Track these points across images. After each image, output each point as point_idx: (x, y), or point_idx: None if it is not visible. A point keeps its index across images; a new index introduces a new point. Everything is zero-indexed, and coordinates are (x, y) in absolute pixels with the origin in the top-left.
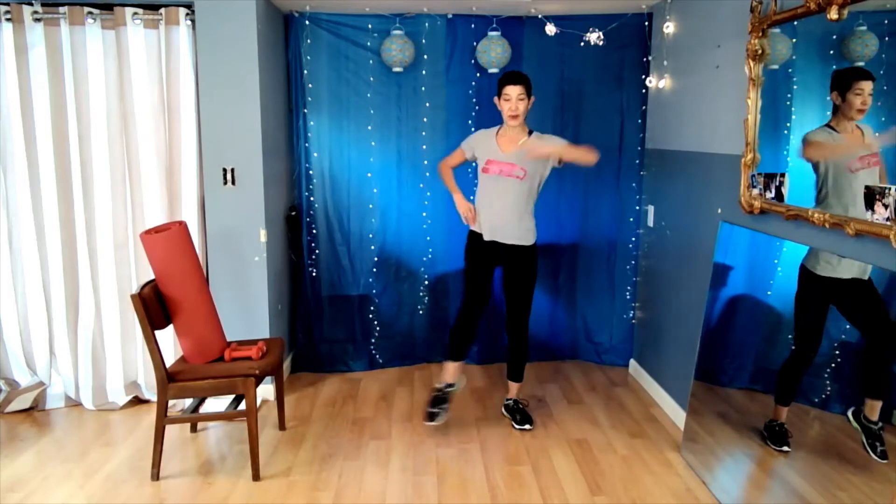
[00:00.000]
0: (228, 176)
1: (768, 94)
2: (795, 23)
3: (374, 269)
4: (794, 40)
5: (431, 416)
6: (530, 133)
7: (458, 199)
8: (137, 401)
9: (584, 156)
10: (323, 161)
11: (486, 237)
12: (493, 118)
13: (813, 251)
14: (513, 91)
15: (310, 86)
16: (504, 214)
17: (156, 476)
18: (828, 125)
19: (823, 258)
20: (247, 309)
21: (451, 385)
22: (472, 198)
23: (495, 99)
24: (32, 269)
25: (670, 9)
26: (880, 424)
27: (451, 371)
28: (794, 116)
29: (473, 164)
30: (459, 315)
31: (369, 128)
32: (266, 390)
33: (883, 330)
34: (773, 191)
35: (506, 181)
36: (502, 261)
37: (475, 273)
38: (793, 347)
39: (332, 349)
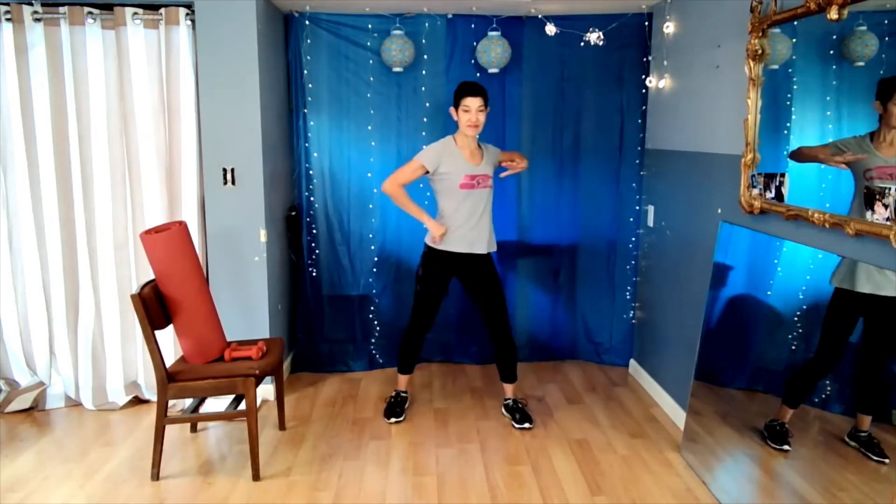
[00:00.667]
0: (228, 176)
1: (768, 94)
2: (795, 23)
3: (374, 269)
4: (794, 40)
5: (392, 416)
6: (479, 145)
7: (431, 224)
8: (137, 401)
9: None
10: (323, 161)
11: (462, 251)
12: (492, 118)
13: (846, 264)
14: (473, 103)
15: (310, 86)
16: (483, 225)
17: (156, 476)
18: (869, 134)
19: (865, 273)
20: (247, 309)
21: (405, 392)
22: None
23: (451, 109)
24: (32, 269)
25: (670, 9)
26: (868, 433)
27: (404, 382)
28: (794, 116)
29: (419, 182)
30: (411, 331)
31: (369, 128)
32: (266, 390)
33: (890, 346)
34: (773, 191)
35: (481, 193)
36: (463, 272)
37: (433, 289)
38: (814, 356)
39: (332, 349)
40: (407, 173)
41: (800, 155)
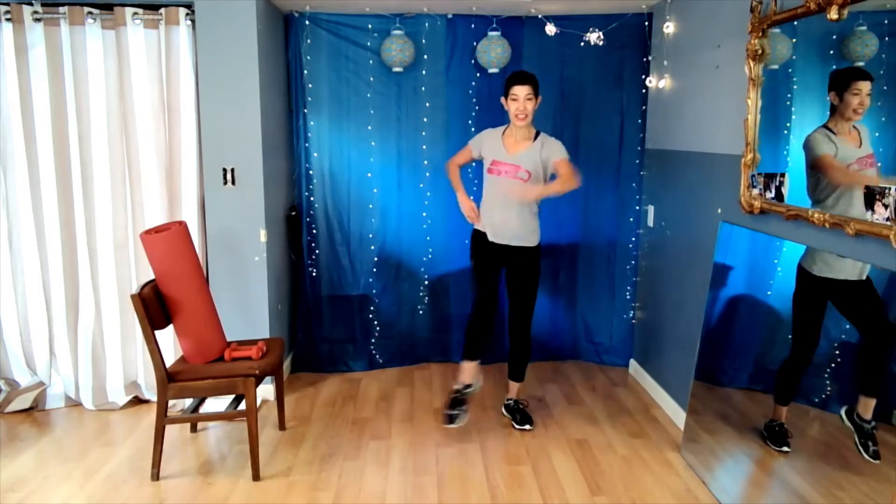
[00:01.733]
0: (228, 176)
1: (768, 94)
2: (795, 23)
3: (374, 269)
4: (794, 40)
5: (451, 419)
6: (537, 134)
7: (460, 198)
8: (137, 401)
9: (567, 185)
10: (323, 161)
11: (490, 238)
12: (492, 118)
13: (810, 251)
14: (521, 91)
15: (310, 86)
16: (508, 216)
17: (156, 476)
18: (825, 126)
19: (820, 258)
20: (247, 309)
21: (469, 385)
22: (472, 197)
23: (502, 99)
24: (32, 269)
25: (670, 9)
26: (873, 423)
27: (468, 371)
28: (794, 116)
29: (472, 164)
30: (473, 314)
31: (369, 128)
32: (266, 390)
33: (880, 328)
34: (773, 191)
35: (510, 182)
36: (506, 261)
37: (483, 271)
38: (791, 347)
39: (332, 349)
40: (460, 154)
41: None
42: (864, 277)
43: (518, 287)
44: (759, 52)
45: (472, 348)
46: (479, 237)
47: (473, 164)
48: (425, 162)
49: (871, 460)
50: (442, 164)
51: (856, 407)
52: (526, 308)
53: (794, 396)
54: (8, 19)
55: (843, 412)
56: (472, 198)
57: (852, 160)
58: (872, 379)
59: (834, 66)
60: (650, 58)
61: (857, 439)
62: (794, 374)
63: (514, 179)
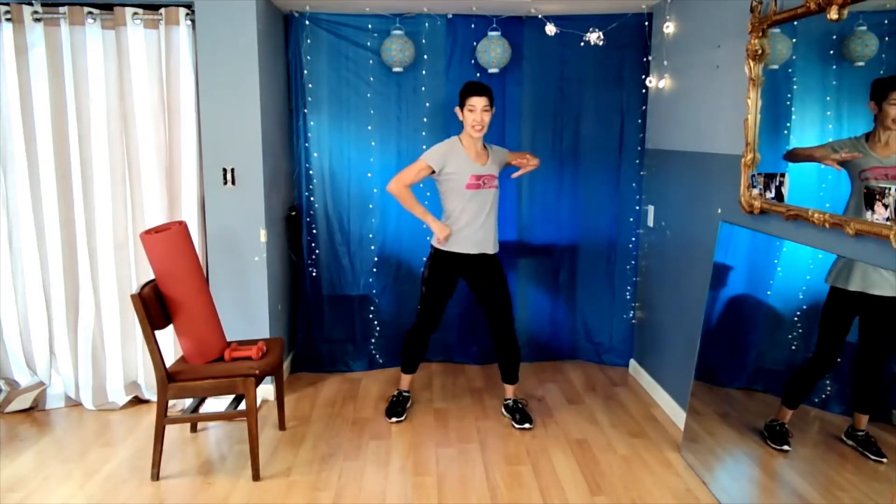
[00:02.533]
0: (228, 176)
1: (768, 94)
2: (795, 23)
3: (374, 269)
4: (794, 40)
5: (393, 415)
6: (485, 145)
7: (436, 225)
8: (137, 401)
9: (532, 157)
10: (323, 161)
11: (469, 251)
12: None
13: (844, 267)
14: (478, 102)
15: (310, 86)
16: (489, 226)
17: (156, 476)
18: (865, 134)
19: (859, 273)
20: (247, 309)
21: (407, 392)
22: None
23: (457, 109)
24: (32, 269)
25: (670, 9)
26: (864, 432)
27: (406, 382)
28: (794, 116)
29: (421, 184)
30: (417, 330)
31: (369, 128)
32: (266, 390)
33: (887, 346)
34: (773, 191)
35: (487, 193)
36: (470, 273)
37: (441, 291)
38: (814, 352)
39: (332, 349)
40: (412, 173)
41: (794, 156)
42: None
43: (493, 292)
44: (759, 52)
45: (413, 363)
46: (441, 258)
47: (421, 184)
48: None
49: (878, 459)
50: None
51: (852, 423)
52: (506, 310)
53: (804, 399)
54: (8, 19)
55: (843, 436)
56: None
57: (867, 167)
58: (869, 396)
59: (834, 66)
60: (650, 58)
61: (860, 451)
62: (810, 380)
63: (492, 189)
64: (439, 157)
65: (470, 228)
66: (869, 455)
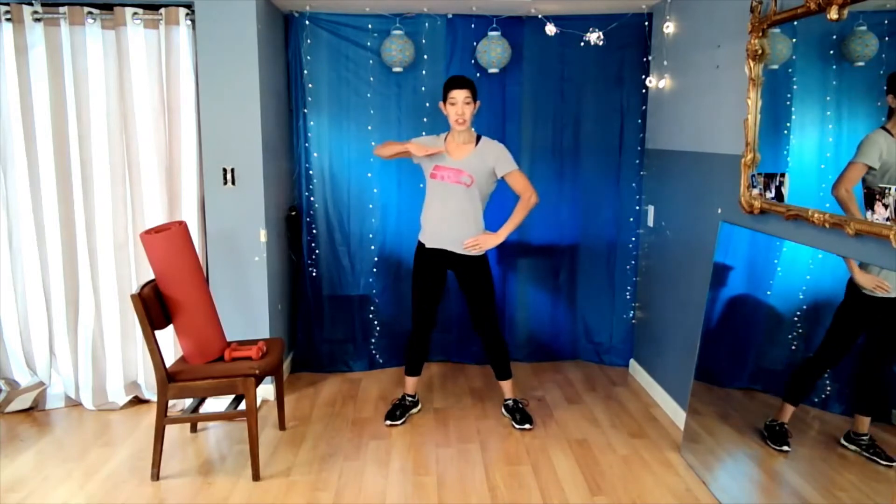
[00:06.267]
0: (228, 176)
1: (768, 94)
2: (795, 23)
3: (374, 269)
4: (793, 40)
5: (390, 419)
6: (479, 138)
7: (412, 145)
8: (137, 401)
9: (527, 206)
10: (323, 161)
11: (428, 245)
12: (492, 118)
13: (866, 269)
14: (459, 95)
15: (310, 86)
16: (450, 221)
17: (156, 476)
18: (884, 128)
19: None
20: (247, 309)
21: (412, 395)
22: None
23: (440, 104)
24: (32, 269)
25: (670, 9)
26: (868, 436)
27: (411, 384)
28: (794, 116)
29: (416, 165)
30: (413, 336)
31: (369, 128)
32: (266, 390)
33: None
34: (773, 191)
35: (453, 188)
36: (451, 267)
37: (424, 290)
38: (819, 348)
39: (332, 349)
40: (396, 144)
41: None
42: None
43: (471, 292)
44: (759, 52)
45: (415, 365)
46: (420, 251)
47: (422, 184)
48: None
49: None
50: None
51: (853, 427)
52: (485, 308)
53: (807, 396)
54: (8, 19)
55: (843, 440)
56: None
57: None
58: (871, 398)
59: (834, 66)
60: (650, 58)
61: (863, 454)
62: (813, 376)
63: (457, 184)
64: (420, 141)
65: (432, 222)
66: (878, 461)
